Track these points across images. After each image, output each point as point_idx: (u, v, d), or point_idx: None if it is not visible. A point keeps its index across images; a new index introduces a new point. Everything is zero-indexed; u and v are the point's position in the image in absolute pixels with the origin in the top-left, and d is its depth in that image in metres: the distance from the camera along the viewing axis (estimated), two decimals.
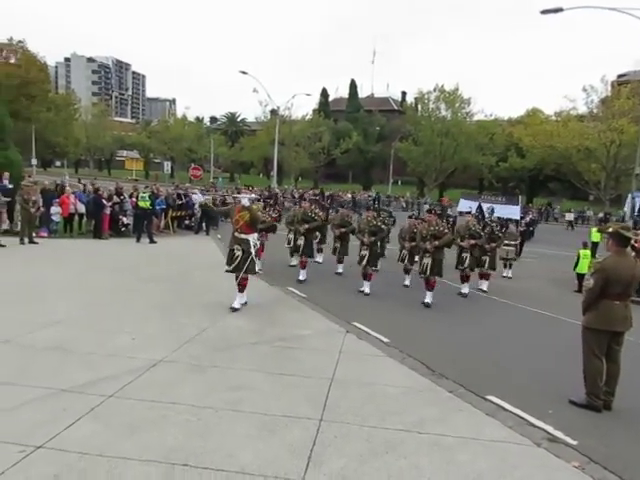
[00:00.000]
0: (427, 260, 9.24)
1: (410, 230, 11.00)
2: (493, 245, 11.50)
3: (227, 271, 7.66)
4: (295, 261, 11.93)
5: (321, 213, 11.44)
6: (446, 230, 9.51)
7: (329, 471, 3.42)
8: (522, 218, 23.40)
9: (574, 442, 4.15)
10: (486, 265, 11.32)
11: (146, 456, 3.44)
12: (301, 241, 10.73)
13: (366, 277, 9.73)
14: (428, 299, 9.15)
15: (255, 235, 7.80)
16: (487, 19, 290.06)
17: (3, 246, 12.17)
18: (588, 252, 13.10)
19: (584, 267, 12.44)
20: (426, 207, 37.88)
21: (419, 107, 54.12)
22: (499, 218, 17.28)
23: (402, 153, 52.42)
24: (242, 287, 7.65)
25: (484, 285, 11.37)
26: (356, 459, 3.60)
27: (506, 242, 13.84)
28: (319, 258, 13.07)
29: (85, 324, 6.46)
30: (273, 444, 3.73)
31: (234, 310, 7.44)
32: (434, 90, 50.29)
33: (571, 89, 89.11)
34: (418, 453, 3.75)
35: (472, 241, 10.47)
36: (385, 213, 13.55)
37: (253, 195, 8.11)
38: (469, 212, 12.39)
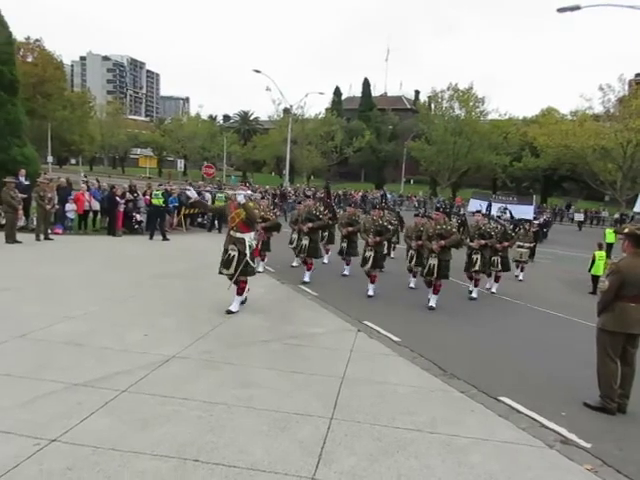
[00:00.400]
0: (433, 261, 8.75)
1: (417, 229, 10.47)
2: (505, 244, 11.03)
3: (221, 273, 7.29)
4: (296, 262, 11.63)
5: (326, 212, 10.97)
6: (454, 229, 8.98)
7: (340, 469, 3.42)
8: (535, 219, 22.90)
9: (587, 445, 4.11)
10: (498, 266, 10.91)
11: (158, 451, 3.47)
12: (305, 241, 10.26)
13: (370, 279, 9.41)
14: (432, 302, 8.81)
15: (252, 234, 7.37)
16: (502, 17, 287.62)
17: (19, 242, 12.35)
18: (603, 253, 12.94)
19: (600, 269, 12.29)
20: (438, 207, 37.76)
21: (432, 106, 53.88)
22: (512, 217, 17.02)
23: (415, 152, 52.24)
24: (241, 290, 7.32)
25: (494, 287, 11.04)
26: (367, 458, 3.60)
27: (519, 244, 13.47)
28: (325, 259, 12.73)
29: (99, 319, 6.53)
30: (284, 441, 3.74)
31: (230, 313, 7.14)
32: (448, 89, 50.06)
33: (587, 88, 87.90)
34: (429, 453, 3.74)
35: (482, 241, 10.04)
36: (393, 213, 13.05)
37: (249, 192, 7.58)
38: (479, 211, 11.75)
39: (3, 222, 13.24)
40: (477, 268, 10.01)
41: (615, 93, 40.30)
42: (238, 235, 7.17)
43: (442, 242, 8.63)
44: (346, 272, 11.33)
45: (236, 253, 7.10)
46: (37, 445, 3.44)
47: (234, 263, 7.09)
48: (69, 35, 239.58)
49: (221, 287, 8.95)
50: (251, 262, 7.21)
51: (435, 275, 8.73)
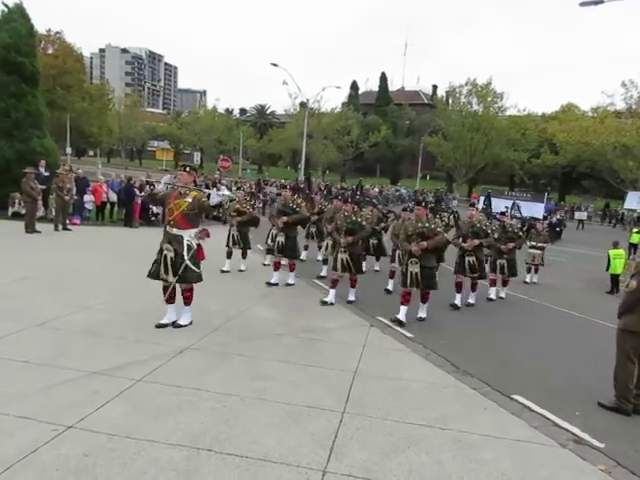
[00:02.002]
0: (414, 268, 7.14)
1: (403, 225, 8.55)
2: (510, 245, 9.75)
3: (157, 278, 6.01)
4: (268, 260, 10.50)
5: (304, 204, 9.47)
6: (439, 228, 7.29)
7: (351, 462, 3.44)
8: (545, 218, 21.60)
9: (601, 445, 4.07)
10: (504, 270, 9.78)
11: (172, 440, 3.52)
12: (281, 238, 8.88)
13: (350, 283, 8.21)
14: (422, 313, 7.54)
15: (192, 231, 5.93)
16: (522, 11, 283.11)
17: (38, 232, 12.56)
18: (620, 251, 12.70)
19: (618, 267, 12.10)
20: (455, 203, 37.19)
21: (450, 101, 53.42)
22: (521, 216, 16.31)
23: (431, 148, 51.89)
24: (188, 300, 6.11)
25: (503, 291, 9.99)
26: (378, 452, 3.61)
27: (532, 244, 12.56)
28: (303, 255, 11.32)
29: (115, 309, 6.63)
30: (296, 434, 3.77)
31: (160, 327, 5.93)
32: (466, 84, 49.58)
33: (609, 84, 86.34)
34: (441, 449, 3.74)
35: (476, 241, 8.56)
36: (370, 206, 11.03)
37: (167, 176, 6.18)
38: (473, 204, 9.84)
39: (23, 212, 13.50)
40: (475, 275, 8.71)
41: (638, 89, 39.55)
42: (175, 231, 5.89)
43: (423, 243, 7.06)
44: (323, 273, 10.02)
45: (172, 254, 5.84)
46: (55, 431, 3.51)
47: (170, 267, 5.86)
48: (89, 27, 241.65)
49: (235, 280, 9.04)
50: (193, 266, 5.88)
51: (421, 286, 7.24)
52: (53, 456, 3.24)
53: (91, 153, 72.38)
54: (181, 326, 6.05)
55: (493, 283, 9.87)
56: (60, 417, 3.69)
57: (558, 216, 24.95)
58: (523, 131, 48.73)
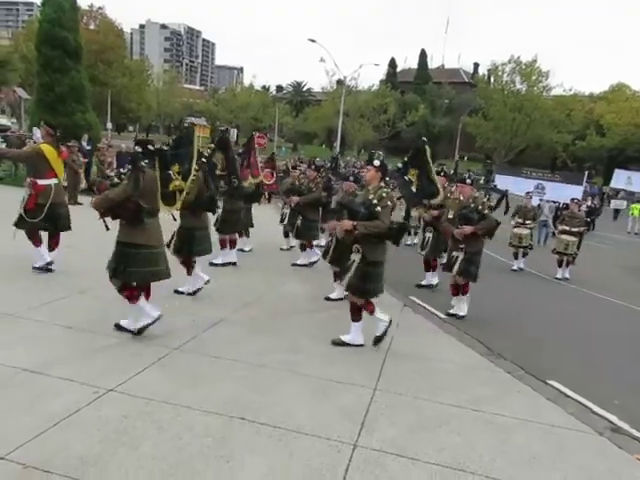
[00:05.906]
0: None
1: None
2: (466, 230, 6.21)
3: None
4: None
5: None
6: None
7: (381, 438, 3.46)
8: (580, 204, 18.79)
9: None
10: (454, 266, 6.46)
11: (206, 407, 3.62)
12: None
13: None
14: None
15: (27, 181, 6.40)
16: None
17: (80, 204, 12.93)
18: None
19: None
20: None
21: (492, 80, 51.84)
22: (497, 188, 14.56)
23: (471, 128, 50.71)
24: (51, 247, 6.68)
25: (463, 305, 6.60)
26: (408, 429, 3.62)
27: (565, 228, 10.27)
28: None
29: None
30: (327, 407, 3.81)
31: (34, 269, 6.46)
32: (509, 62, 47.93)
33: None
34: (472, 430, 3.71)
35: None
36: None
37: (37, 132, 6.44)
38: (401, 169, 6.05)
39: (65, 184, 13.91)
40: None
41: None
42: None
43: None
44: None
45: None
46: (96, 393, 3.65)
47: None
48: (129, 3, 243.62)
49: (268, 255, 9.10)
50: (23, 213, 6.29)
51: None
52: (94, 417, 3.38)
53: (130, 128, 73.65)
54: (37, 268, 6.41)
55: (454, 290, 6.71)
56: (100, 380, 3.83)
57: (589, 203, 19.95)
58: (568, 112, 46.95)
